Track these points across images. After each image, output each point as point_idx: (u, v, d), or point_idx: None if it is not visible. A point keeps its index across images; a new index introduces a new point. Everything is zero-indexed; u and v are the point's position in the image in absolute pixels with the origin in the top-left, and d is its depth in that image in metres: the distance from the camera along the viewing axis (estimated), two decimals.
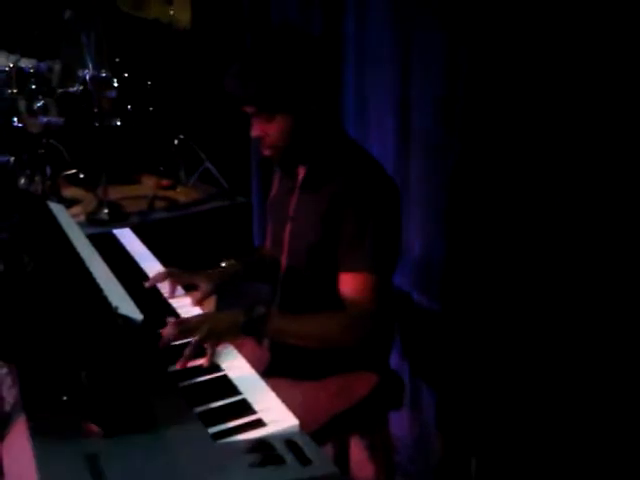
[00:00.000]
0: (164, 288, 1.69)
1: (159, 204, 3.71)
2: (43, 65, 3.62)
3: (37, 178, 3.59)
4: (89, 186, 3.74)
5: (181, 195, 3.92)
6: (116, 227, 2.14)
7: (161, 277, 1.70)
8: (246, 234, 3.36)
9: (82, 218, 3.41)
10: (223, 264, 1.79)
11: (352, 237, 1.51)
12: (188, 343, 1.38)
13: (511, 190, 1.89)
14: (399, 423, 2.29)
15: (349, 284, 1.53)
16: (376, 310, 1.52)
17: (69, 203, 3.55)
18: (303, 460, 1.04)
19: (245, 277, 1.81)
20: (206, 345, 1.38)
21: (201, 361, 1.35)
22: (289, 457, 1.04)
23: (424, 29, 2.07)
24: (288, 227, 1.66)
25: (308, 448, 1.07)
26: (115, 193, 3.69)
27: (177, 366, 1.32)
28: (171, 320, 1.45)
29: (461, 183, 2.04)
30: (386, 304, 1.56)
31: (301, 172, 1.65)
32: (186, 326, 1.42)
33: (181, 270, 1.74)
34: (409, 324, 2.22)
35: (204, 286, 1.69)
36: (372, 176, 1.55)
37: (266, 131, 1.53)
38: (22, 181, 3.60)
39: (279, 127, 1.52)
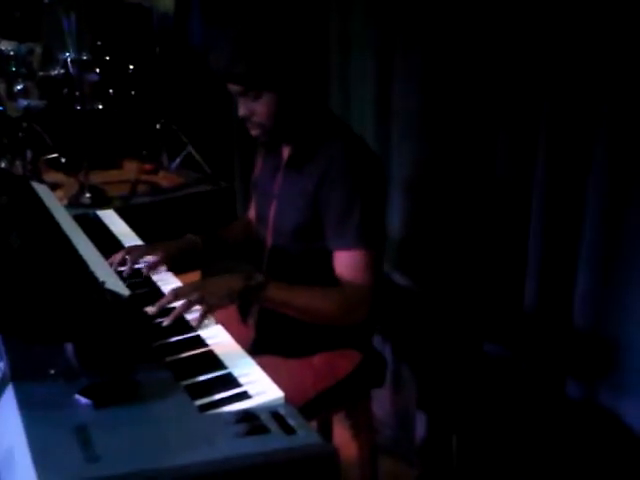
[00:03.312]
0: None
1: (141, 188, 3.69)
2: (24, 48, 3.58)
3: (18, 162, 3.56)
4: (70, 170, 3.71)
5: (163, 179, 3.90)
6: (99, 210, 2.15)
7: (120, 255, 1.70)
8: (229, 219, 3.36)
9: (64, 202, 3.38)
10: (192, 236, 1.81)
11: (342, 214, 1.53)
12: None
13: (492, 172, 1.92)
14: (381, 403, 2.33)
15: (345, 261, 1.54)
16: (373, 284, 1.55)
17: (50, 187, 3.52)
18: (287, 429, 1.06)
19: (206, 251, 1.81)
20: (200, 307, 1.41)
21: (190, 318, 1.40)
22: (274, 427, 1.06)
23: (408, 9, 2.08)
24: (273, 205, 1.68)
25: (292, 419, 1.09)
26: (97, 177, 3.65)
27: (165, 322, 1.37)
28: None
29: (442, 165, 2.06)
30: (379, 279, 1.58)
31: (285, 151, 1.66)
32: (184, 290, 1.44)
33: (139, 245, 1.77)
34: (390, 305, 2.24)
35: (160, 257, 1.70)
36: (357, 153, 1.57)
37: (253, 110, 1.53)
38: (2, 165, 3.57)
39: (266, 106, 1.52)
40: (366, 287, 1.54)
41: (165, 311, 1.41)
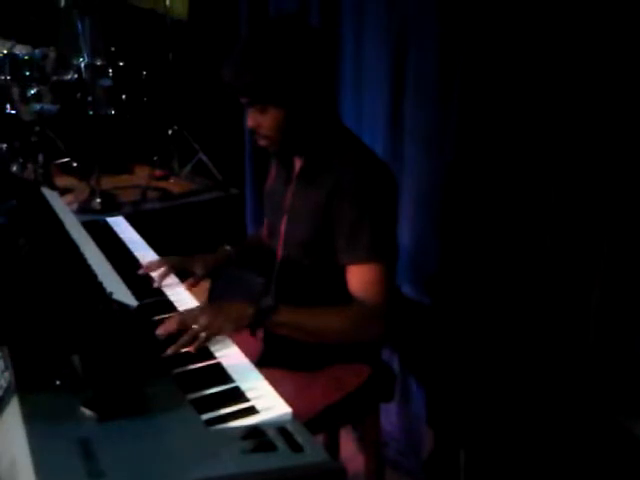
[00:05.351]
0: (156, 274, 1.69)
1: (152, 194, 3.71)
2: (38, 52, 3.59)
3: (29, 166, 3.57)
4: (82, 175, 3.73)
5: (174, 186, 3.91)
6: (109, 216, 2.14)
7: (156, 264, 1.71)
8: (239, 226, 3.36)
9: (74, 207, 3.40)
10: (227, 247, 1.83)
11: (353, 228, 1.51)
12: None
13: (503, 184, 1.90)
14: (389, 416, 2.31)
15: (358, 276, 1.53)
16: (387, 298, 1.53)
17: (61, 192, 3.53)
18: (295, 447, 1.04)
19: (237, 262, 1.83)
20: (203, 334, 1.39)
21: (189, 347, 1.35)
22: (281, 444, 1.04)
23: (420, 23, 2.08)
24: (284, 218, 1.66)
25: (300, 435, 1.07)
26: (108, 183, 3.67)
27: (169, 351, 1.32)
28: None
29: (454, 177, 2.05)
30: (393, 292, 1.57)
31: (297, 163, 1.65)
32: (187, 319, 1.41)
33: (175, 257, 1.76)
34: (398, 317, 2.22)
35: (198, 271, 1.73)
36: (368, 166, 1.56)
37: (260, 122, 1.53)
38: (14, 169, 3.58)
39: (273, 118, 1.52)
40: (380, 302, 1.52)
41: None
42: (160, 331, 1.37)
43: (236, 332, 1.44)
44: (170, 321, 1.40)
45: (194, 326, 1.38)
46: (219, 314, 1.44)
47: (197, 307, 1.51)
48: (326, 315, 1.52)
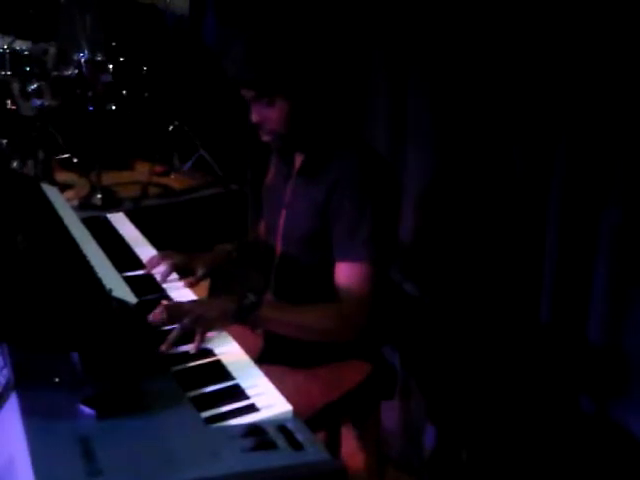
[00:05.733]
0: (158, 271, 1.68)
1: (152, 190, 3.70)
2: (38, 47, 3.59)
3: (30, 162, 3.57)
4: (82, 171, 3.72)
5: (175, 182, 3.91)
6: (109, 212, 2.13)
7: (157, 260, 1.70)
8: (240, 222, 3.36)
9: (75, 203, 3.40)
10: (227, 246, 1.81)
11: (350, 225, 1.50)
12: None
13: (503, 184, 1.90)
14: (390, 415, 2.30)
15: (345, 273, 1.51)
16: (370, 300, 1.51)
17: (62, 188, 3.51)
18: (295, 445, 1.04)
19: (238, 261, 1.81)
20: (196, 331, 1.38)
21: (189, 347, 1.34)
22: (281, 442, 1.04)
23: (421, 21, 2.07)
24: (283, 214, 1.66)
25: (300, 433, 1.07)
26: (108, 178, 3.67)
27: (161, 349, 1.31)
28: (163, 302, 1.44)
29: (454, 177, 2.04)
30: (381, 294, 1.55)
31: (298, 159, 1.64)
32: (176, 311, 1.40)
33: (177, 252, 1.74)
34: (399, 315, 2.22)
35: (199, 271, 1.71)
36: (369, 164, 1.54)
37: (266, 116, 1.51)
38: (14, 164, 3.58)
39: (279, 112, 1.50)
40: (363, 299, 1.50)
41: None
42: (150, 318, 1.37)
43: (223, 328, 1.43)
44: (158, 312, 1.39)
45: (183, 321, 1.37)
46: (205, 309, 1.43)
47: (184, 302, 1.51)
48: (309, 311, 1.52)
